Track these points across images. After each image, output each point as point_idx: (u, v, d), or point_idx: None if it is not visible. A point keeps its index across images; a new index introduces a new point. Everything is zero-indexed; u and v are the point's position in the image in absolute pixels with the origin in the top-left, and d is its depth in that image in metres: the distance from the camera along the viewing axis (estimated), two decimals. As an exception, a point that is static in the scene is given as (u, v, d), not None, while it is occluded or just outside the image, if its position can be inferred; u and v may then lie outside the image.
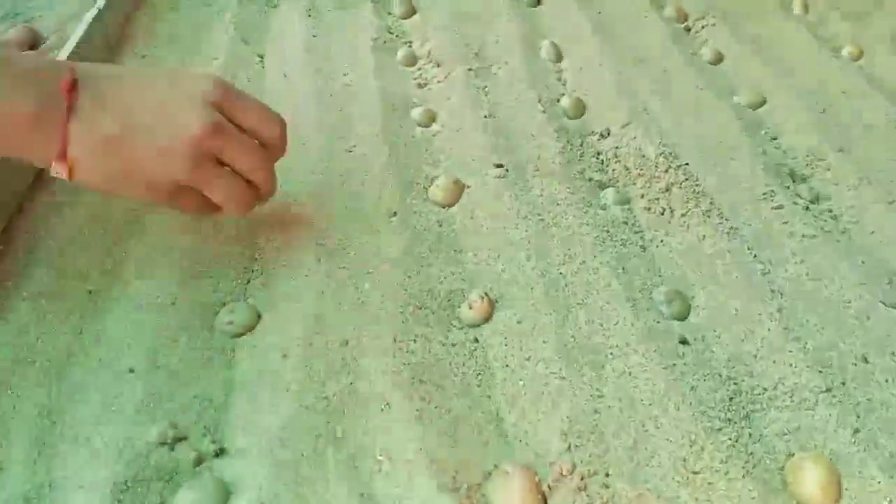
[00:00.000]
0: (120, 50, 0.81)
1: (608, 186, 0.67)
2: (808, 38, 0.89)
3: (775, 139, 0.74)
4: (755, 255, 0.60)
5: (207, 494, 0.42)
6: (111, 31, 0.81)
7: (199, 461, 0.44)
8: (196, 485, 0.42)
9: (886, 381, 0.50)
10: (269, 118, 0.50)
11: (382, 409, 0.47)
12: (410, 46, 0.88)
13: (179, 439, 0.45)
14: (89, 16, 0.77)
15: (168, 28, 0.86)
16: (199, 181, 0.47)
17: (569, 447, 0.45)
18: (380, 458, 0.44)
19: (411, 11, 0.93)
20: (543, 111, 0.76)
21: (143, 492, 0.42)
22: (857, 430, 0.46)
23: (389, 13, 0.93)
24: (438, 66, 0.84)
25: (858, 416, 0.47)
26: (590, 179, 0.68)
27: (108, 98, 0.43)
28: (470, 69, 0.82)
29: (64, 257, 0.56)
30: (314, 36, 0.87)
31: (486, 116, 0.75)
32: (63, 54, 0.71)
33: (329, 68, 0.82)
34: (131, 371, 0.48)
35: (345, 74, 0.81)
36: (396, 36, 0.89)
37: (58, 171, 0.43)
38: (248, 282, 0.56)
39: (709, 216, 0.63)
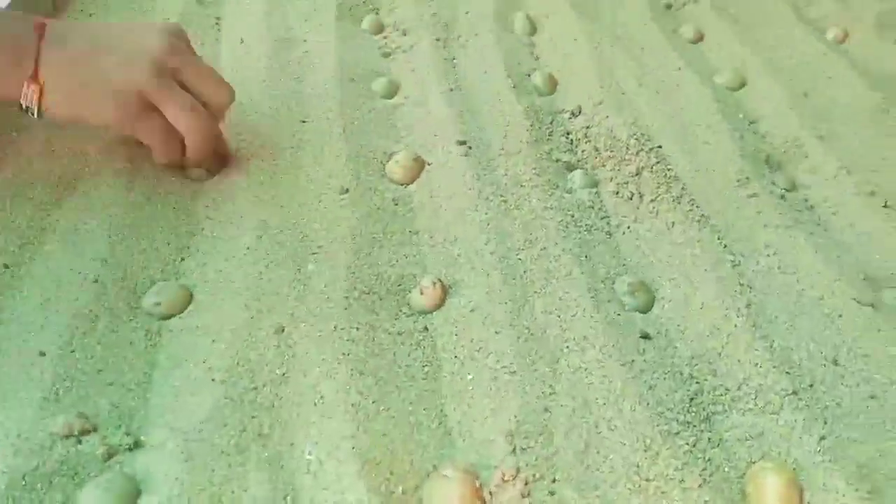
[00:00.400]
0: (64, 9, 0.75)
1: (576, 168, 0.64)
2: (793, 19, 0.86)
3: (754, 123, 0.71)
4: (725, 246, 0.56)
5: (114, 492, 0.38)
6: (56, -15, 0.75)
7: (109, 455, 0.40)
8: (102, 481, 0.38)
9: (857, 384, 0.46)
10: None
11: (316, 404, 0.43)
12: (377, 14, 0.83)
13: (88, 430, 0.41)
14: (31, -32, 0.72)
15: (119, -15, 0.80)
16: (161, 95, 0.50)
17: (514, 449, 0.41)
18: (308, 457, 0.40)
19: (381, -23, 0.88)
20: (513, 86, 0.72)
21: (42, 488, 0.38)
22: (823, 438, 0.43)
23: (358, -22, 0.88)
24: (405, 34, 0.79)
25: (826, 423, 0.44)
26: (557, 160, 0.64)
27: (76, 28, 0.50)
28: (438, 39, 0.78)
29: (-20, 227, 0.51)
30: (276, -1, 0.82)
31: (451, 90, 0.71)
32: (1, 5, 0.66)
33: (289, 35, 0.77)
34: (42, 354, 0.44)
35: (305, 41, 0.76)
36: (363, 2, 0.84)
37: (28, 95, 0.48)
38: (182, 259, 0.52)
39: (679, 202, 0.60)
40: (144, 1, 0.79)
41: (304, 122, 0.65)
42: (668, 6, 0.88)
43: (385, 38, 0.79)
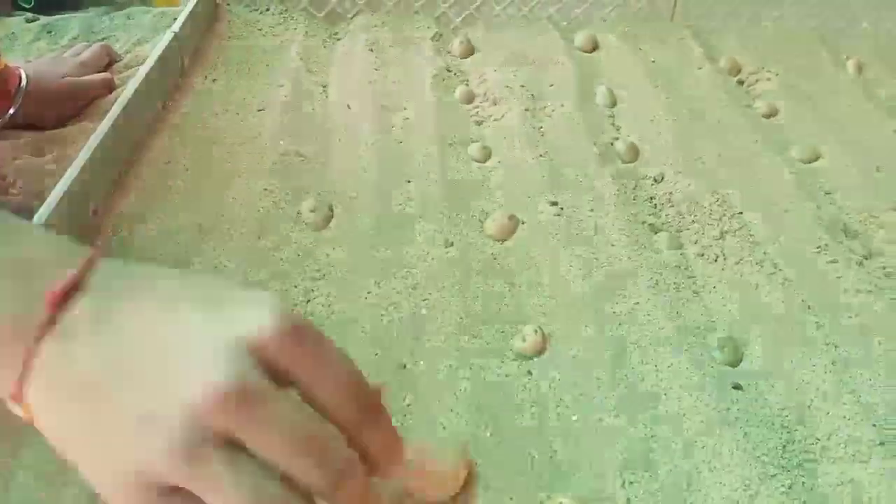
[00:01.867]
0: (192, 72, 0.85)
1: (662, 230, 0.69)
2: (862, 98, 0.91)
3: (829, 194, 0.75)
4: (809, 307, 0.60)
5: None
6: (184, 53, 0.85)
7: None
8: None
9: (942, 439, 0.50)
10: (357, 382, 0.29)
11: (438, 434, 0.48)
12: (468, 85, 0.91)
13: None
14: (165, 38, 0.81)
15: (237, 55, 0.90)
16: (193, 478, 0.26)
17: (623, 483, 0.46)
18: (436, 480, 0.45)
19: (470, 51, 0.97)
20: (598, 153, 0.78)
21: None
22: (911, 486, 0.47)
23: (448, 52, 0.96)
24: (495, 104, 0.86)
25: (913, 472, 0.48)
26: (643, 223, 0.69)
27: (110, 316, 0.27)
28: (526, 109, 0.85)
29: (136, 266, 0.58)
30: (376, 69, 0.90)
31: (541, 156, 0.77)
32: (142, 72, 0.75)
33: (390, 102, 0.85)
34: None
35: (405, 108, 0.84)
36: (455, 74, 0.92)
37: (15, 408, 0.28)
38: (309, 301, 0.58)
39: (762, 266, 0.64)
40: (260, 70, 0.88)
41: (409, 181, 0.72)
42: (741, 82, 0.94)
43: (477, 107, 0.86)
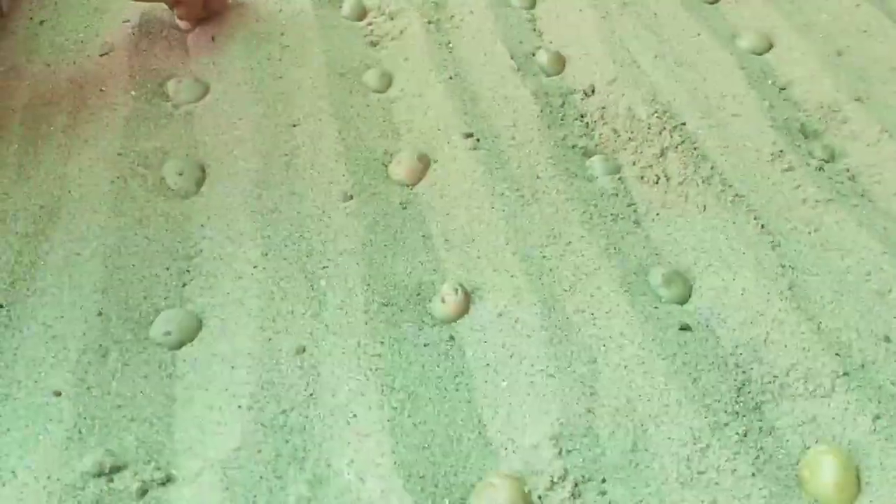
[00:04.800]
0: (13, 15, 0.82)
1: (595, 154, 0.71)
2: (821, -31, 0.93)
3: (784, 89, 0.78)
4: (763, 226, 0.64)
5: (155, 528, 0.45)
6: (0, -8, 0.82)
7: (143, 491, 0.47)
8: (141, 518, 0.45)
9: (909, 360, 0.54)
10: None
11: (349, 422, 0.50)
12: (358, -4, 0.90)
13: (119, 468, 0.47)
14: (-27, -25, 0.79)
15: (68, -15, 0.87)
16: None
17: (560, 452, 0.48)
18: (349, 476, 0.47)
19: (357, -46, 0.95)
20: (517, 68, 0.79)
21: (81, 529, 0.45)
22: (877, 417, 0.51)
23: (331, -43, 0.95)
24: (392, 19, 0.86)
25: (879, 402, 0.52)
26: (574, 146, 0.71)
27: None
28: (429, 21, 0.85)
29: (-33, 266, 0.58)
30: (244, -12, 0.89)
31: (450, 78, 0.78)
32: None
33: (264, 28, 0.84)
34: (58, 394, 0.51)
35: (282, 34, 0.83)
36: (341, -16, 0.91)
37: None
38: (185, 284, 0.59)
39: (710, 183, 0.67)
40: (97, 2, 0.86)
41: (294, 125, 0.72)
42: (681, -37, 0.96)
43: (370, 24, 0.86)
